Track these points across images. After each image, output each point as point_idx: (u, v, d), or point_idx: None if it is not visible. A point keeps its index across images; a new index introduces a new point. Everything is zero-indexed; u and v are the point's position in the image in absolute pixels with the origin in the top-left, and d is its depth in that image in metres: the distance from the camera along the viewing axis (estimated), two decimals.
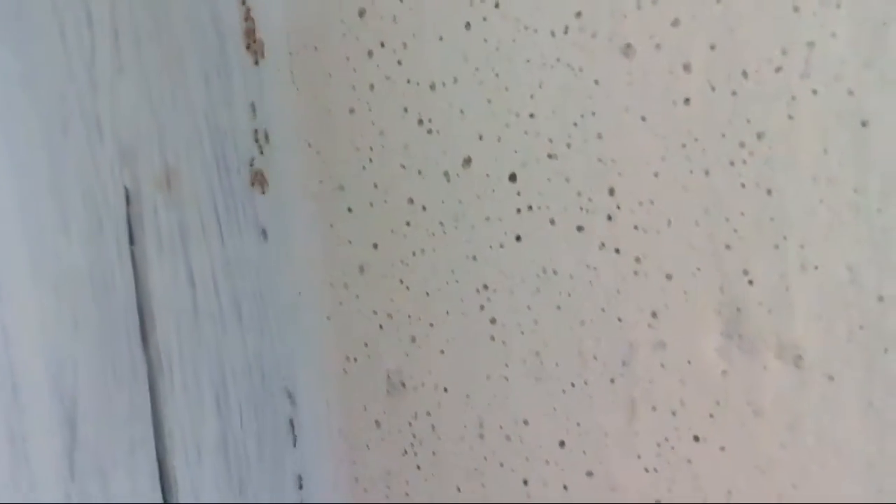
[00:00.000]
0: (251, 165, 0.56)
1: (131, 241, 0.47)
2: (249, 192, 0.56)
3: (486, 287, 0.54)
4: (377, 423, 0.60)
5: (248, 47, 0.57)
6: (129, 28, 0.48)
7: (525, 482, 0.55)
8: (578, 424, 0.52)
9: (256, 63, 0.57)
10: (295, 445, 0.60)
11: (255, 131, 0.57)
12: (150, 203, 0.49)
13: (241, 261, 0.55)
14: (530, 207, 0.51)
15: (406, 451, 0.59)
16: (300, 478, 0.60)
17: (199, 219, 0.50)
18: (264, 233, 0.57)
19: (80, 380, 0.43)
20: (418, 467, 0.59)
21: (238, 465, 0.54)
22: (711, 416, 0.47)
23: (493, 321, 0.54)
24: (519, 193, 0.51)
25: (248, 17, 0.56)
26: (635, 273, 0.48)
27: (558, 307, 0.51)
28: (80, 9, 0.46)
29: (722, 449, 0.47)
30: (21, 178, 0.43)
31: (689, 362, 0.47)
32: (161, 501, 0.48)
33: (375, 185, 0.57)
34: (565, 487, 0.53)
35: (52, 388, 0.44)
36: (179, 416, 0.50)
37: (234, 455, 0.54)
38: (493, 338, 0.54)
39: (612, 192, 0.48)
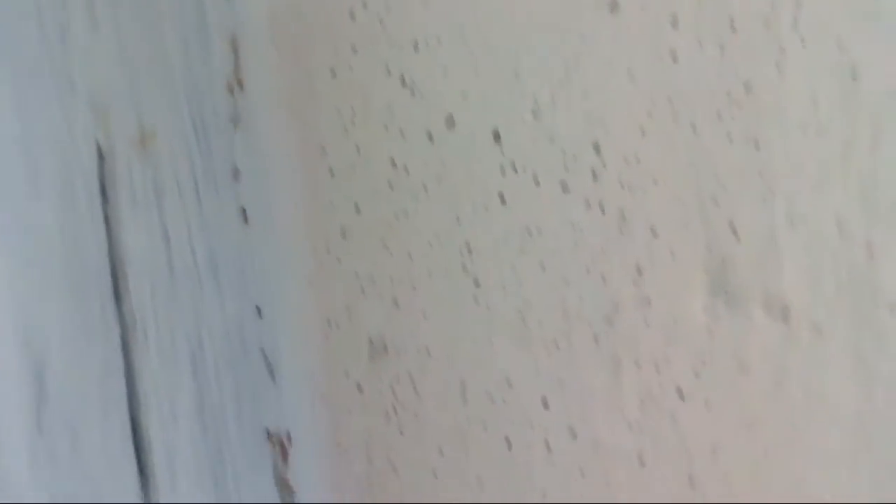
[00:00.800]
0: (230, 126, 0.53)
1: (104, 198, 0.44)
2: (227, 155, 0.53)
3: (469, 248, 0.52)
4: (359, 387, 0.58)
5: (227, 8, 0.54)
6: None
7: (508, 443, 0.53)
8: (562, 383, 0.50)
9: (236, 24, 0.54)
10: (274, 411, 0.58)
11: (233, 92, 0.54)
12: (124, 160, 0.46)
13: (219, 222, 0.52)
14: (514, 167, 0.49)
15: (388, 415, 0.58)
16: (282, 444, 0.58)
17: (175, 178, 0.47)
18: (243, 196, 0.54)
19: (50, 337, 0.41)
20: (400, 431, 0.57)
21: (215, 429, 0.52)
22: (696, 372, 0.46)
23: (476, 282, 0.52)
24: (503, 153, 0.49)
25: None
26: (620, 231, 0.46)
27: (542, 267, 0.49)
28: None
29: (707, 405, 0.46)
30: None
31: (674, 319, 0.45)
32: (134, 463, 0.46)
33: (357, 147, 0.55)
34: (548, 447, 0.52)
35: (21, 344, 0.42)
36: (154, 378, 0.48)
37: (210, 419, 0.52)
38: (476, 299, 0.52)
39: (597, 149, 0.46)
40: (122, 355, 0.47)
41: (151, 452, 0.49)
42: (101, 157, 0.44)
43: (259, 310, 0.58)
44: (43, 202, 0.42)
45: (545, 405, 0.51)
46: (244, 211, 0.55)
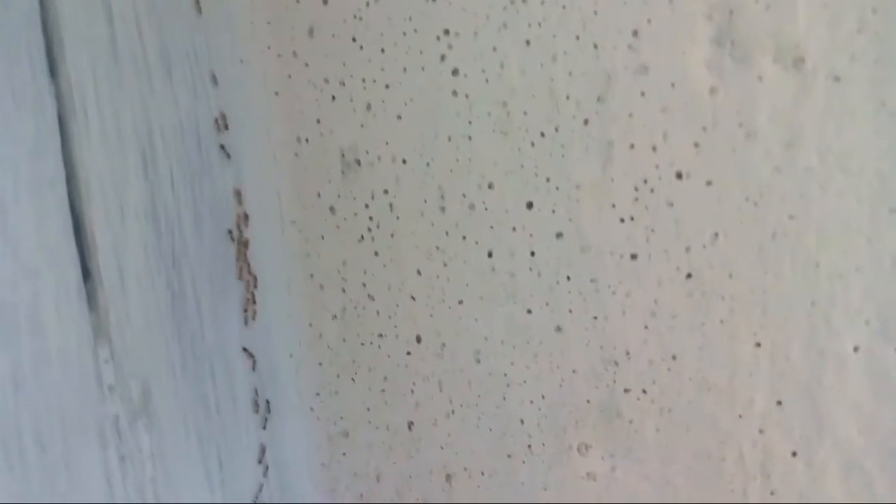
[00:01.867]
0: None
1: None
2: None
3: (447, 32, 0.46)
4: (331, 209, 0.54)
5: None
6: None
7: (490, 254, 0.48)
8: (548, 180, 0.45)
9: None
10: (241, 240, 0.53)
11: None
12: None
13: (171, 12, 0.47)
14: None
15: (363, 237, 0.53)
16: (243, 269, 0.53)
17: None
18: None
19: None
20: (376, 253, 0.53)
21: (170, 237, 0.48)
22: (697, 145, 0.40)
23: (455, 72, 0.47)
24: None
25: None
26: None
27: (527, 42, 0.44)
28: None
29: (708, 183, 0.41)
30: None
31: (673, 85, 0.40)
32: (77, 260, 0.42)
33: None
34: (532, 253, 0.47)
35: None
36: (97, 167, 0.43)
37: (165, 226, 0.47)
38: (455, 92, 0.47)
39: None
40: (58, 134, 0.42)
41: (97, 251, 0.45)
42: None
43: (224, 116, 0.53)
44: None
45: (529, 207, 0.47)
46: (197, 1, 0.50)
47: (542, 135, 0.45)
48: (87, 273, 0.45)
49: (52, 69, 0.41)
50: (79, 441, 0.44)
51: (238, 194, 0.52)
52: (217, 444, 0.52)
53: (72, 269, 0.43)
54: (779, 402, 0.42)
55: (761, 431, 0.43)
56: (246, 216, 0.54)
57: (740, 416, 0.43)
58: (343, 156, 0.52)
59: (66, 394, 0.43)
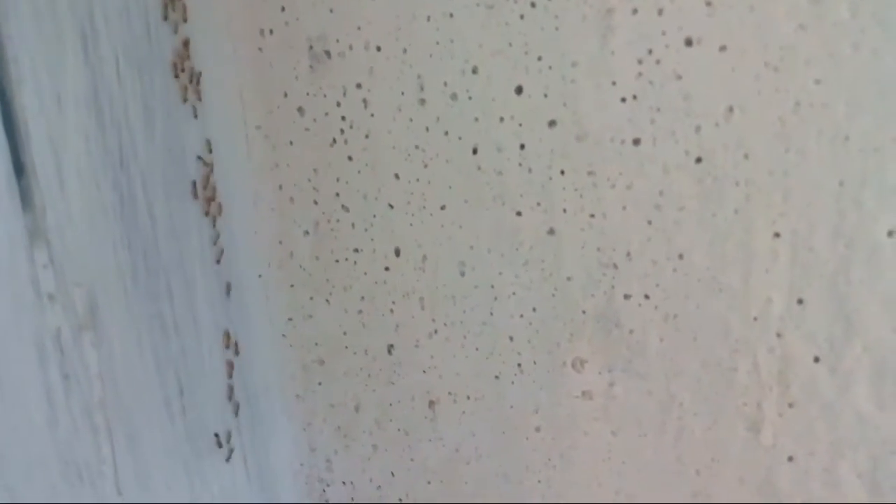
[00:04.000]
0: None
1: None
2: None
3: None
4: (300, 110, 0.49)
5: None
6: None
7: (475, 150, 0.44)
8: (539, 59, 0.41)
9: None
10: (197, 138, 0.49)
11: None
12: None
13: None
14: None
15: (335, 140, 0.49)
16: (204, 180, 0.49)
17: None
18: None
19: None
20: (350, 157, 0.48)
21: (116, 132, 0.43)
22: (709, 5, 0.36)
23: None
24: None
25: None
26: None
27: None
28: None
29: (722, 49, 0.36)
30: None
31: None
32: (7, 153, 0.38)
33: None
34: (522, 146, 0.43)
35: None
36: (27, 45, 0.39)
37: (109, 117, 0.43)
38: None
39: None
40: None
41: (30, 141, 0.41)
42: None
43: (170, 4, 0.49)
44: None
45: (519, 92, 0.42)
46: None
47: (533, 5, 0.40)
48: (19, 167, 0.41)
49: None
50: (15, 355, 0.40)
51: (195, 92, 0.48)
52: (176, 368, 0.49)
53: (1, 160, 0.39)
54: (800, 301, 0.38)
55: (779, 335, 0.39)
56: (200, 113, 0.49)
57: (755, 319, 0.39)
58: (311, 47, 0.48)
59: None
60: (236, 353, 0.52)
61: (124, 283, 0.45)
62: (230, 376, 0.52)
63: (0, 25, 0.38)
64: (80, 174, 0.42)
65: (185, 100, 0.48)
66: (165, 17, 0.46)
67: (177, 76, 0.47)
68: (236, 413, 0.53)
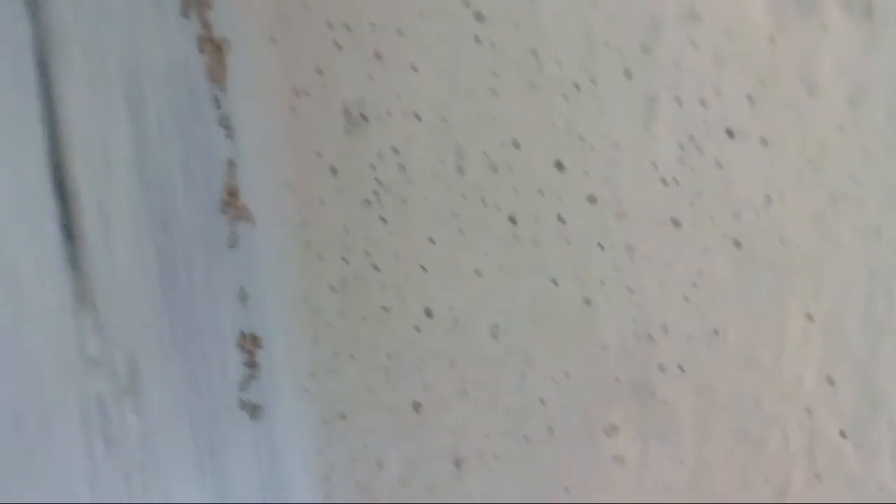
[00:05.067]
0: None
1: None
2: None
3: None
4: (333, 170, 0.51)
5: None
6: None
7: (512, 220, 0.47)
8: (582, 139, 0.44)
9: None
10: (232, 195, 0.51)
11: None
12: None
13: None
14: None
15: (368, 202, 0.51)
16: (235, 235, 0.51)
17: None
18: None
19: None
20: (383, 219, 0.51)
21: (159, 192, 0.45)
22: (752, 100, 0.39)
23: (478, 16, 0.45)
24: None
25: None
26: None
27: None
28: None
29: (763, 142, 0.39)
30: None
31: (727, 33, 0.39)
32: (55, 204, 0.39)
33: None
34: (561, 219, 0.45)
35: None
36: (79, 108, 0.40)
37: (154, 179, 0.45)
38: (478, 39, 0.45)
39: None
40: (35, 67, 0.39)
41: (80, 204, 0.42)
42: None
43: (217, 62, 0.50)
44: None
45: (560, 168, 0.45)
46: None
47: (577, 87, 0.43)
48: (68, 231, 0.42)
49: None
50: (58, 418, 0.42)
51: (231, 149, 0.50)
52: (209, 430, 0.50)
53: (52, 225, 0.41)
54: (829, 380, 0.41)
55: (809, 411, 0.42)
56: (235, 169, 0.51)
57: (786, 395, 0.42)
58: (347, 111, 0.50)
59: (44, 364, 0.40)
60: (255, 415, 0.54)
61: (163, 346, 0.46)
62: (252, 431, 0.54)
63: (53, 89, 0.39)
64: (125, 237, 0.44)
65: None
66: (210, 77, 0.48)
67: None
68: (258, 468, 0.54)
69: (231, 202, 0.51)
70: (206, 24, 0.48)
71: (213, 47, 0.48)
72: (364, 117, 0.49)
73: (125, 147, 0.43)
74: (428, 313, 0.51)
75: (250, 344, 0.54)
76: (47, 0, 0.39)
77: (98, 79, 0.42)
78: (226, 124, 0.49)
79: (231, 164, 0.50)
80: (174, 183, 0.46)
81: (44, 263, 0.40)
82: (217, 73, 0.48)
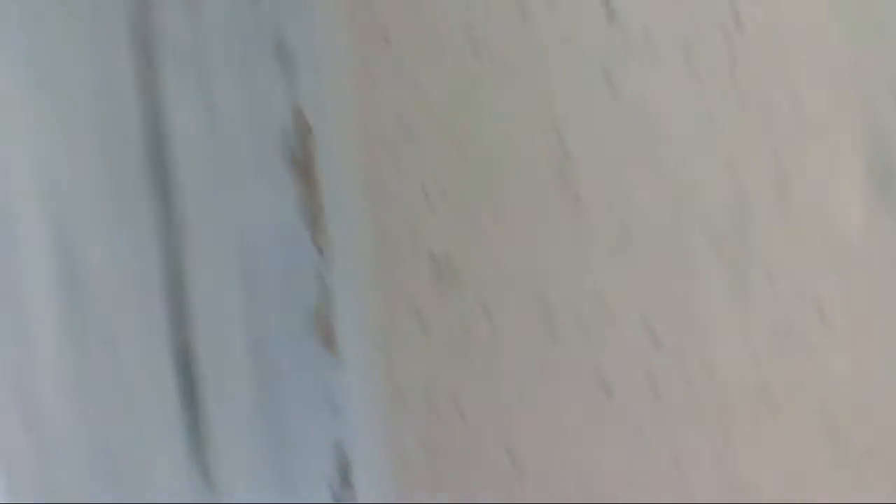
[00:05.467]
0: None
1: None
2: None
3: (566, 153, 0.46)
4: (420, 318, 0.53)
5: None
6: None
7: (606, 388, 0.48)
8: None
9: None
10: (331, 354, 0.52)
11: None
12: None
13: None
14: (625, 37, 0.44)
15: (455, 353, 0.52)
16: (333, 396, 0.52)
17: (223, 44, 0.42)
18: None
19: (88, 242, 0.36)
20: (471, 372, 0.52)
21: (266, 381, 0.46)
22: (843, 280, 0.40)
23: (576, 198, 0.46)
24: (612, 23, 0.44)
25: None
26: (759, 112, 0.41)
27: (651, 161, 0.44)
28: None
29: (855, 327, 0.40)
30: None
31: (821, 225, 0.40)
32: (176, 378, 0.41)
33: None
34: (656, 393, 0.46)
35: (52, 242, 0.37)
36: (202, 291, 0.42)
37: (261, 366, 0.45)
38: (576, 214, 0.46)
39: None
40: (165, 260, 0.41)
41: (201, 379, 0.43)
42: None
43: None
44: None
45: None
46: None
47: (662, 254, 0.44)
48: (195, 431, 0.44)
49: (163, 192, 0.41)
50: None
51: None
52: None
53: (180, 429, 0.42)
54: None
55: None
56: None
57: None
58: (435, 262, 0.52)
59: None
60: None
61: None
62: None
63: (182, 270, 0.42)
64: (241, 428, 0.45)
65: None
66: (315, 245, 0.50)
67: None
68: None
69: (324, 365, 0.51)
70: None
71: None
72: (454, 271, 0.51)
73: (235, 310, 0.44)
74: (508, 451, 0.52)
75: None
76: (177, 185, 0.42)
77: (217, 254, 0.43)
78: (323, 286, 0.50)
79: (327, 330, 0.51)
80: (281, 368, 0.46)
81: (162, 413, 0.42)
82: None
